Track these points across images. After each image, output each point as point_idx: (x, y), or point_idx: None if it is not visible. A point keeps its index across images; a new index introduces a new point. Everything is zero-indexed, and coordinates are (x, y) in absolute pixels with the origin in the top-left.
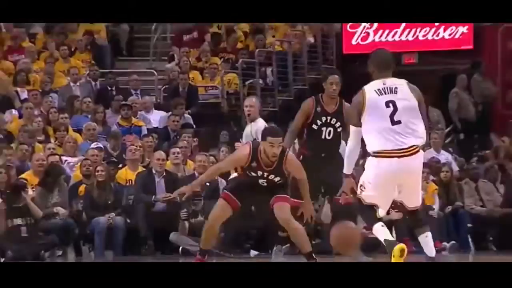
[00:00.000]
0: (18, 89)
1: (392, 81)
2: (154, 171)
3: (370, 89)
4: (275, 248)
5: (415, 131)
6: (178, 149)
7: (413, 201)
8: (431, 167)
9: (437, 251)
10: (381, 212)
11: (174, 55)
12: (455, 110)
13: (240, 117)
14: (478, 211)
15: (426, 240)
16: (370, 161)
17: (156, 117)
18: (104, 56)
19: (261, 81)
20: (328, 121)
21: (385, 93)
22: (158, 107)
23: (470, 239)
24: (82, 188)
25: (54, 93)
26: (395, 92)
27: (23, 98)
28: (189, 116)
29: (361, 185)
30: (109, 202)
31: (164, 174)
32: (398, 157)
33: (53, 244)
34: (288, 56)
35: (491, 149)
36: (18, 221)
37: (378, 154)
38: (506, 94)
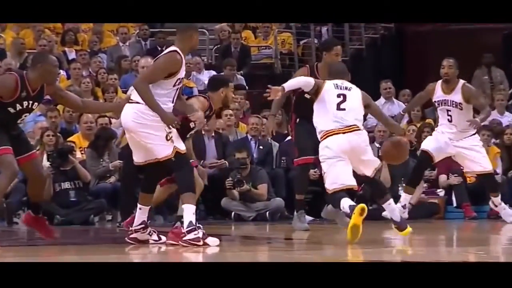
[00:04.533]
0: (66, 49)
1: None
2: (203, 132)
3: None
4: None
5: None
6: (230, 111)
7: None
8: (493, 130)
9: (500, 216)
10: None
11: None
12: None
13: None
14: None
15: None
16: None
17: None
18: None
19: (316, 41)
20: None
21: None
22: (209, 67)
23: None
24: None
25: (103, 53)
26: None
27: (71, 58)
28: (241, 77)
29: None
30: None
31: (215, 135)
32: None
33: (102, 209)
34: None
35: None
36: (66, 185)
37: None
38: None
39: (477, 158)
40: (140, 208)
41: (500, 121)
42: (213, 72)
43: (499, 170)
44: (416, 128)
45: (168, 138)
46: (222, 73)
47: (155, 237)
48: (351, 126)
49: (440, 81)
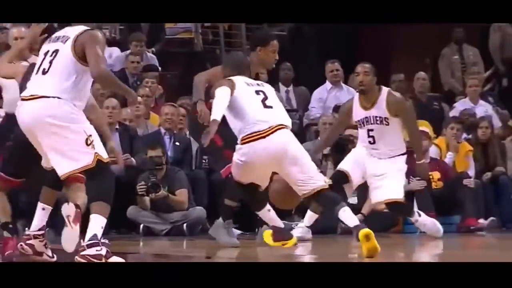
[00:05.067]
0: None
1: None
2: None
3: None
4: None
5: None
6: (139, 98)
7: None
8: (465, 122)
9: (473, 230)
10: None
11: None
12: (497, 48)
13: (219, 57)
14: None
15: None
16: None
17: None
18: None
19: None
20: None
21: None
22: (112, 43)
23: None
24: None
25: None
26: None
27: None
28: (153, 56)
29: None
30: None
31: (119, 128)
32: None
33: None
34: None
35: None
36: None
37: None
38: None
39: (387, 185)
40: (43, 208)
41: (473, 112)
42: (117, 50)
43: (471, 172)
44: None
45: (88, 142)
46: None
47: (49, 252)
48: (276, 126)
49: (356, 96)
